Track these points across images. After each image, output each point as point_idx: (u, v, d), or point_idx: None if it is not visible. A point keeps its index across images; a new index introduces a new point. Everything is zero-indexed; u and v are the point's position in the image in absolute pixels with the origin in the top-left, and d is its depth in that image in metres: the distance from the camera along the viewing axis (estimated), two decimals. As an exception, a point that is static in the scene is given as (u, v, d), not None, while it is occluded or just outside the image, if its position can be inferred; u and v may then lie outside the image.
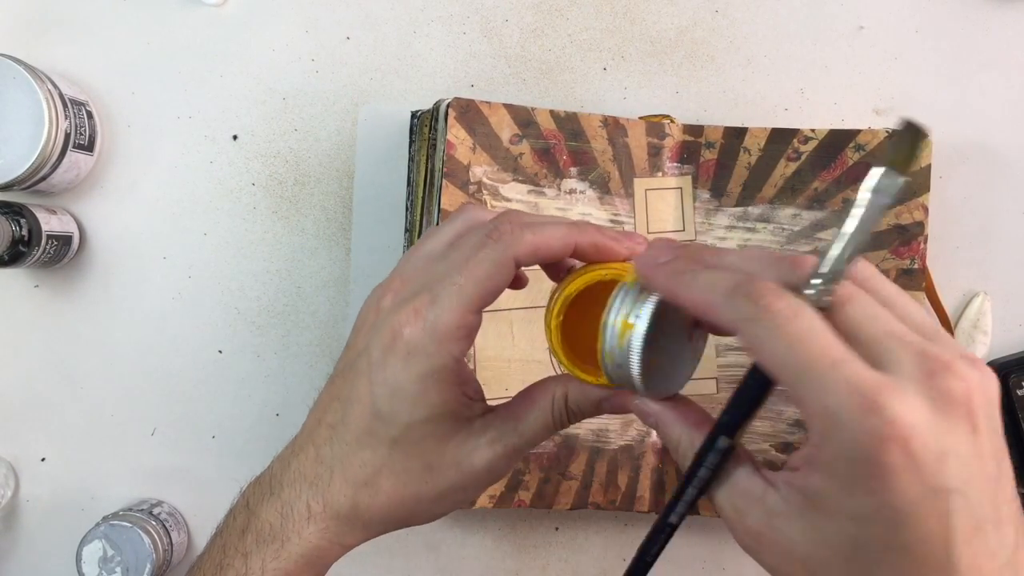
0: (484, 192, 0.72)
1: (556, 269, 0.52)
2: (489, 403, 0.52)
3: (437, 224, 0.71)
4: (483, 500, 0.73)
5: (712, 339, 0.75)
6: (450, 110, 0.71)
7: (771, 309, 0.38)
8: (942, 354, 0.37)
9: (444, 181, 0.71)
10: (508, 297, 0.72)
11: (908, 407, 0.35)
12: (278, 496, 0.51)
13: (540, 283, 0.73)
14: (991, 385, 0.38)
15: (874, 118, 0.81)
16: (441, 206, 0.71)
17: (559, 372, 0.55)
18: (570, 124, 0.73)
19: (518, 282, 0.53)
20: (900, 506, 0.35)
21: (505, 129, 0.72)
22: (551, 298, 0.49)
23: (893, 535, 0.36)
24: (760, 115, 0.81)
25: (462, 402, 0.49)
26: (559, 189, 0.74)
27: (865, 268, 0.41)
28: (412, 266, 0.51)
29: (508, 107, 0.72)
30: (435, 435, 0.49)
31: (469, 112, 0.71)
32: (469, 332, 0.48)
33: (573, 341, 0.49)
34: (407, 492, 0.50)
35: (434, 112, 0.73)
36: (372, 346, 0.48)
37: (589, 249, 0.49)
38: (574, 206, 0.74)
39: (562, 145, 0.73)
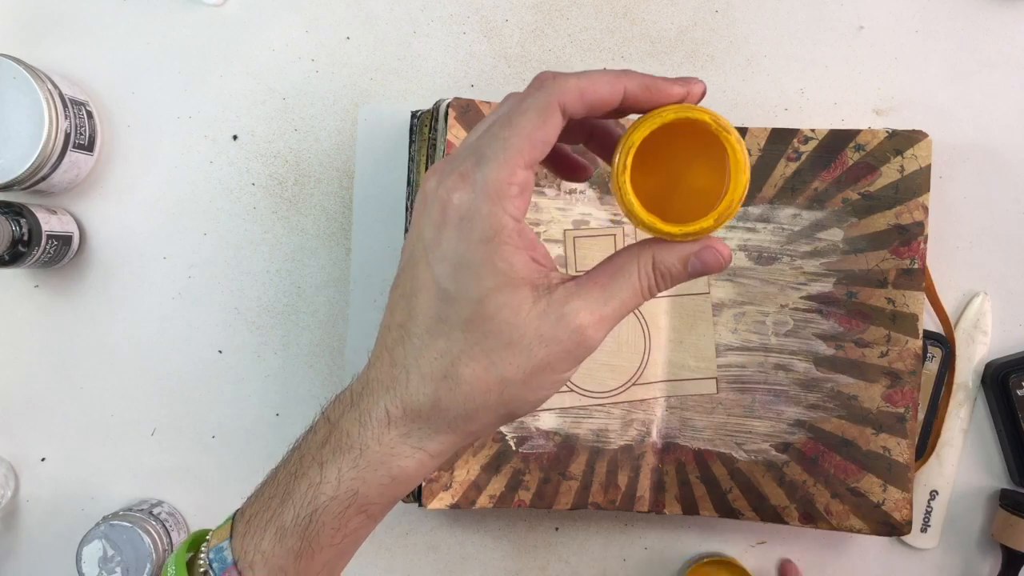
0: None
1: (605, 138, 0.50)
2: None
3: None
4: (483, 500, 0.73)
5: (714, 339, 0.75)
6: (450, 110, 0.71)
7: None
8: None
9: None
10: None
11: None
12: (356, 406, 0.48)
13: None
14: None
15: (874, 118, 0.81)
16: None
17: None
18: (570, 124, 0.73)
19: (580, 171, 0.52)
20: None
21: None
22: (615, 158, 0.45)
23: None
24: (760, 115, 0.81)
25: (533, 268, 0.45)
26: (559, 189, 0.74)
27: None
28: (460, 146, 0.47)
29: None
30: (511, 306, 0.44)
31: (469, 112, 0.71)
32: (523, 188, 0.44)
33: (647, 197, 0.45)
34: (491, 377, 0.45)
35: (434, 112, 0.73)
36: (424, 227, 0.45)
37: (641, 92, 0.45)
38: (574, 206, 0.74)
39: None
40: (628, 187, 0.44)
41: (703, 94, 0.46)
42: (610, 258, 0.47)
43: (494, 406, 0.46)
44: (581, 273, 0.47)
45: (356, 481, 0.47)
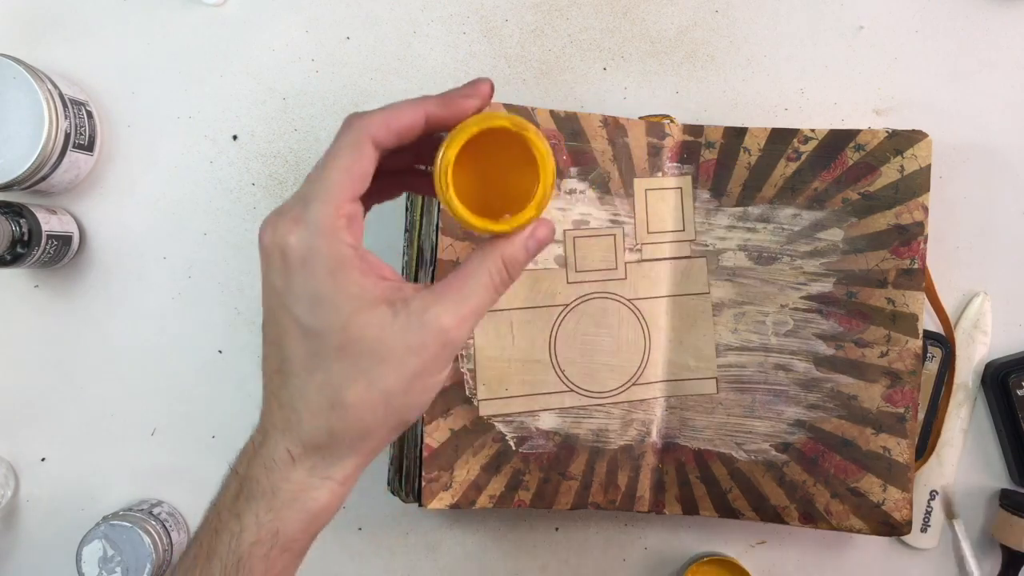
0: (484, 192, 0.72)
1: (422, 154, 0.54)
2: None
3: (437, 224, 0.71)
4: (483, 500, 0.73)
5: (714, 339, 0.75)
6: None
7: None
8: None
9: (444, 181, 0.71)
10: (508, 297, 0.72)
11: None
12: (259, 454, 0.50)
13: (540, 283, 0.74)
14: None
15: (874, 118, 0.81)
16: (441, 206, 0.71)
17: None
18: (570, 124, 0.73)
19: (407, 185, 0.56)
20: None
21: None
22: (435, 177, 0.48)
23: None
24: (760, 115, 0.81)
25: (384, 285, 0.48)
26: (559, 189, 0.74)
27: None
28: (286, 200, 0.50)
29: (508, 107, 0.72)
30: (374, 324, 0.47)
31: (469, 112, 0.72)
32: (352, 219, 0.48)
33: (477, 202, 0.49)
34: (373, 395, 0.48)
35: (434, 112, 0.73)
36: (272, 277, 0.48)
37: (441, 111, 0.49)
38: (574, 206, 0.74)
39: (562, 145, 0.73)
40: (455, 202, 0.48)
41: (491, 91, 0.50)
42: (462, 264, 0.50)
43: (384, 420, 0.49)
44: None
45: (275, 522, 0.49)
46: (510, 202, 0.50)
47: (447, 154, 0.48)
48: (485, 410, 0.73)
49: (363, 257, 0.48)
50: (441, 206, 0.49)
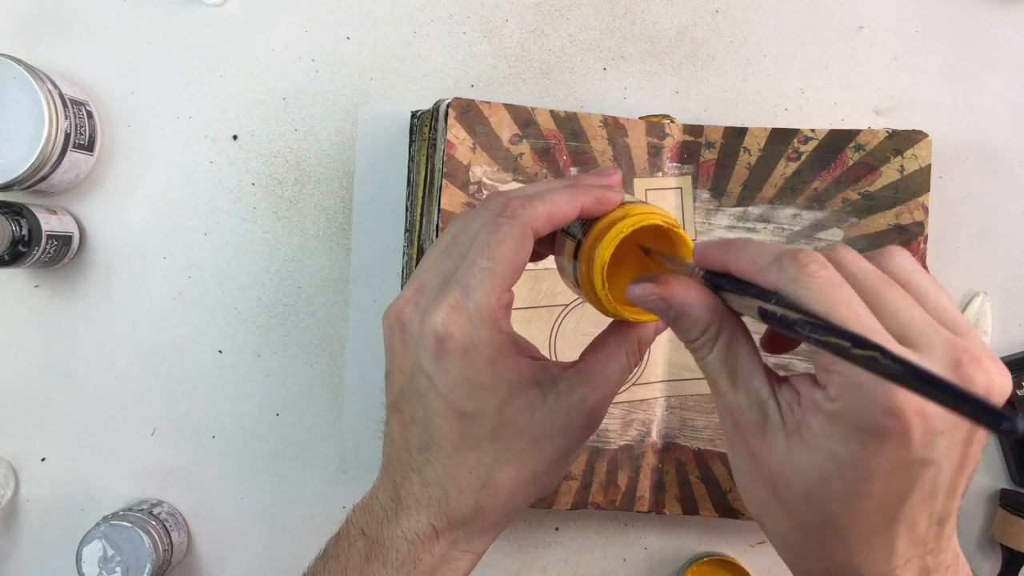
0: (484, 192, 0.72)
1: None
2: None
3: (437, 224, 0.71)
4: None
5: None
6: (450, 110, 0.71)
7: (815, 275, 0.40)
8: (971, 347, 0.39)
9: (444, 181, 0.71)
10: (540, 293, 0.72)
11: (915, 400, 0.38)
12: (397, 523, 0.50)
13: (540, 282, 0.74)
14: (1008, 384, 0.39)
15: (874, 118, 0.81)
16: (441, 206, 0.71)
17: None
18: (570, 124, 0.73)
19: (535, 255, 0.54)
20: (879, 466, 0.39)
21: (505, 129, 0.72)
22: (589, 273, 0.49)
23: (860, 484, 0.40)
24: (760, 115, 0.81)
25: (535, 368, 0.49)
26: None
27: (904, 261, 0.43)
28: (422, 274, 0.50)
29: (508, 107, 0.72)
30: (527, 408, 0.48)
31: (469, 112, 0.71)
32: (508, 307, 0.49)
33: (618, 295, 0.49)
34: (524, 475, 0.49)
35: (434, 112, 0.73)
36: (421, 360, 0.48)
37: (593, 206, 0.49)
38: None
39: (562, 145, 0.73)
40: (610, 299, 0.49)
41: (621, 179, 0.52)
42: (600, 342, 0.52)
43: (529, 498, 0.50)
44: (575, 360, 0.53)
45: None
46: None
47: (603, 254, 0.48)
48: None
49: (516, 341, 0.49)
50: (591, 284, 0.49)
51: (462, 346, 0.46)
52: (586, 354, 0.52)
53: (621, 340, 0.51)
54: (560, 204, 0.48)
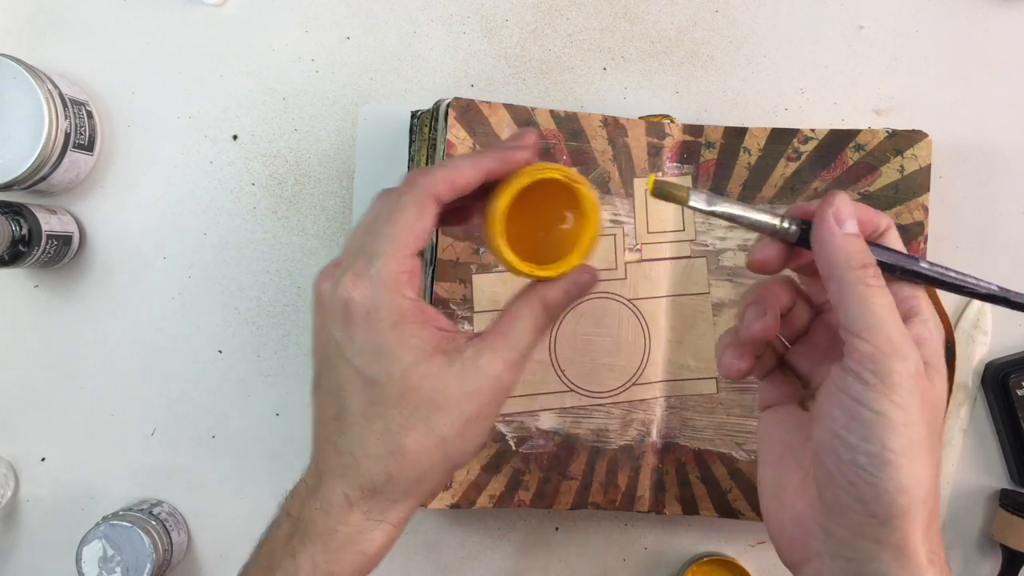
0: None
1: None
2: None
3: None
4: (483, 500, 0.73)
5: (712, 339, 0.75)
6: (450, 110, 0.71)
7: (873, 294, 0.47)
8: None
9: (444, 181, 0.71)
10: (508, 297, 0.72)
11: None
12: (315, 496, 0.52)
13: (540, 283, 0.74)
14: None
15: (874, 118, 0.81)
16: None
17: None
18: (570, 124, 0.73)
19: (461, 217, 0.57)
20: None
21: (505, 129, 0.72)
22: (487, 225, 0.52)
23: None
24: (760, 115, 0.81)
25: (440, 336, 0.51)
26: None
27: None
28: (344, 250, 0.52)
29: (508, 107, 0.72)
30: (432, 375, 0.50)
31: (469, 112, 0.71)
32: (413, 274, 0.50)
33: (523, 248, 0.52)
34: (431, 440, 0.50)
35: (434, 112, 0.73)
36: (332, 329, 0.50)
37: (499, 166, 0.52)
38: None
39: (562, 145, 0.73)
40: (504, 248, 0.52)
41: (536, 141, 0.54)
42: (506, 310, 0.53)
43: (439, 464, 0.51)
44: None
45: (331, 564, 0.51)
46: (555, 248, 0.53)
47: (499, 204, 0.51)
48: (485, 410, 0.73)
49: (421, 309, 0.51)
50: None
51: (364, 310, 0.49)
52: (494, 322, 0.53)
53: (525, 302, 0.53)
54: (462, 168, 0.51)
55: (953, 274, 0.52)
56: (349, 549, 0.51)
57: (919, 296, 0.51)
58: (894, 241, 0.52)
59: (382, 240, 0.49)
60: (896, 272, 0.51)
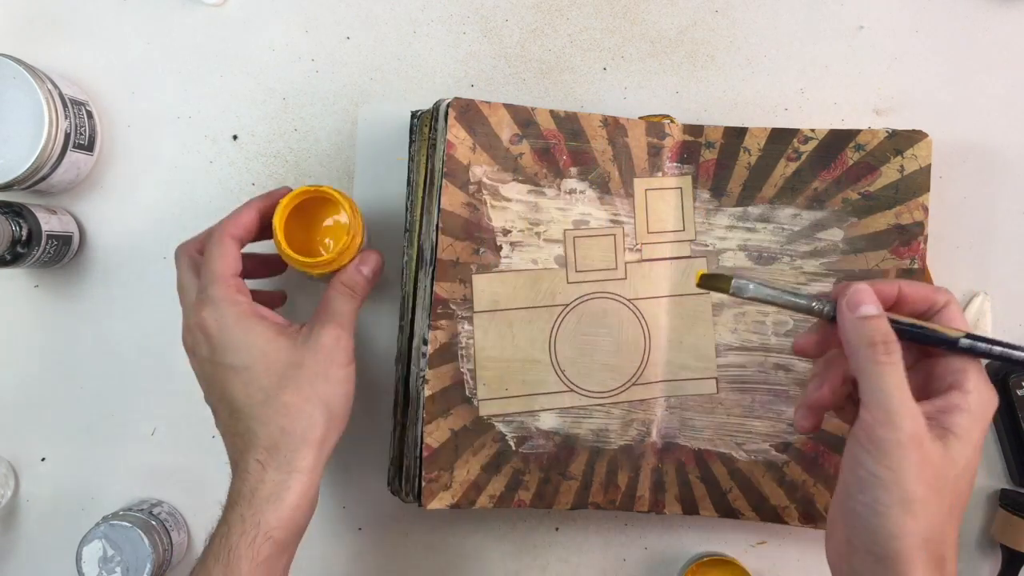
0: (484, 192, 0.72)
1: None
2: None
3: (438, 224, 0.71)
4: (483, 500, 0.73)
5: (714, 338, 0.75)
6: (450, 110, 0.71)
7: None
8: None
9: (444, 181, 0.71)
10: (508, 298, 0.72)
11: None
12: (235, 473, 0.65)
13: (540, 283, 0.74)
14: None
15: (874, 118, 0.81)
16: (441, 206, 0.71)
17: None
18: (570, 124, 0.73)
19: (272, 266, 0.77)
20: (981, 446, 0.56)
21: (505, 129, 0.72)
22: (274, 237, 0.68)
23: (976, 462, 0.55)
24: (760, 115, 0.81)
25: (280, 326, 0.67)
26: (559, 189, 0.74)
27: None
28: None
29: (508, 107, 0.72)
30: (282, 349, 0.65)
31: (469, 112, 0.71)
32: (240, 289, 0.67)
33: (298, 247, 0.69)
34: (303, 392, 0.64)
35: (434, 112, 0.73)
36: (200, 351, 0.66)
37: (265, 201, 0.70)
38: (574, 206, 0.74)
39: (562, 145, 0.73)
40: (285, 248, 0.68)
41: (289, 190, 0.70)
42: (323, 297, 0.69)
43: (321, 411, 0.65)
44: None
45: (256, 515, 0.62)
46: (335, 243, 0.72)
47: (276, 220, 0.68)
48: (485, 410, 0.73)
49: (256, 309, 0.66)
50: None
51: (214, 321, 0.65)
52: (320, 307, 0.69)
53: (331, 286, 0.69)
54: (242, 211, 0.69)
55: (998, 349, 0.57)
56: (271, 501, 0.62)
57: (967, 370, 0.56)
58: (952, 315, 0.58)
59: (205, 277, 0.66)
60: (942, 347, 0.58)
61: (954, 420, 0.54)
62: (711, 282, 0.59)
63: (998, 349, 0.57)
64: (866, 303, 0.57)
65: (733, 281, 0.58)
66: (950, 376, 0.57)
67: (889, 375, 0.54)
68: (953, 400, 0.55)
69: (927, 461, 0.53)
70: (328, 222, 0.73)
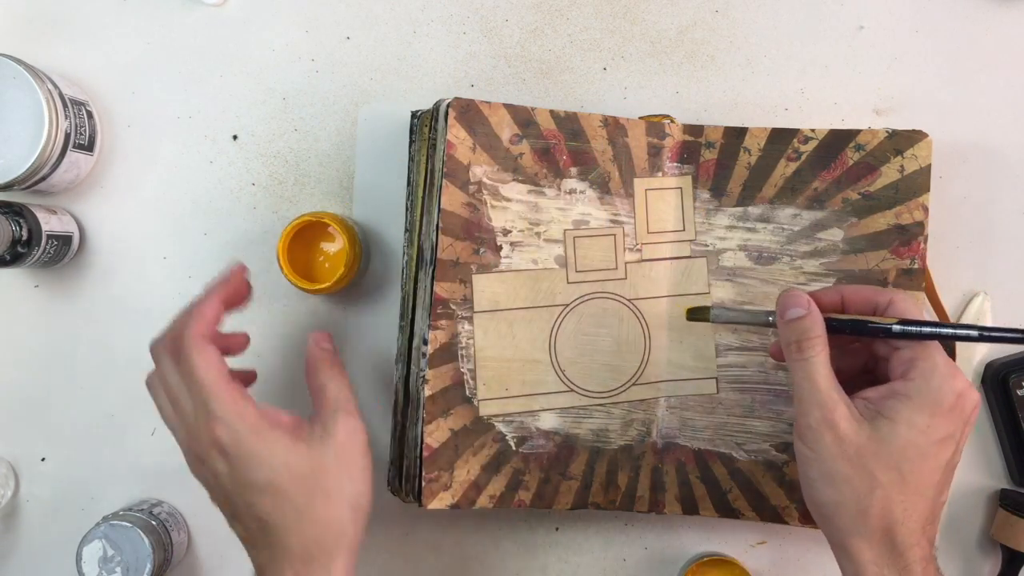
0: (484, 192, 0.72)
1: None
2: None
3: (438, 224, 0.71)
4: (483, 500, 0.73)
5: (713, 339, 0.75)
6: (450, 110, 0.71)
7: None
8: None
9: (444, 181, 0.71)
10: (508, 298, 0.72)
11: (966, 383, 0.61)
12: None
13: (540, 283, 0.74)
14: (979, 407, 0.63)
15: (874, 118, 0.81)
16: (441, 206, 0.71)
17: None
18: (570, 124, 0.73)
19: (236, 345, 0.74)
20: (936, 434, 0.60)
21: (505, 129, 0.72)
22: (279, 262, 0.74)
23: (926, 446, 0.60)
24: (760, 115, 0.81)
25: (291, 427, 0.64)
26: (559, 189, 0.74)
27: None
28: (178, 434, 0.67)
29: (508, 107, 0.72)
30: (303, 456, 0.63)
31: (469, 112, 0.71)
32: (243, 395, 0.63)
33: (298, 269, 0.75)
34: (331, 500, 0.63)
35: (434, 112, 0.73)
36: (217, 468, 0.63)
37: (227, 287, 0.69)
38: (574, 206, 0.74)
39: (562, 145, 0.73)
40: (287, 269, 0.74)
41: (242, 267, 0.71)
42: (311, 388, 0.68)
43: (349, 513, 0.64)
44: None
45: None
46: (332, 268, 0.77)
47: (279, 251, 0.74)
48: (485, 410, 0.73)
49: (265, 415, 0.63)
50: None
51: (229, 438, 0.61)
52: (315, 402, 0.68)
53: (313, 372, 0.68)
54: (206, 307, 0.66)
55: (927, 330, 0.62)
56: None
57: (915, 359, 0.62)
58: (898, 310, 0.63)
59: (201, 393, 0.62)
60: (880, 336, 0.64)
61: (887, 404, 0.61)
62: (697, 315, 0.70)
63: (927, 330, 0.62)
64: (791, 307, 0.64)
65: (711, 311, 0.69)
66: (900, 366, 0.62)
67: (802, 369, 0.62)
68: (894, 387, 0.61)
69: (845, 441, 0.60)
70: (325, 246, 0.78)
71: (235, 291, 0.69)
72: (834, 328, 0.64)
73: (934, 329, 0.62)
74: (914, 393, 0.60)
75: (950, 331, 0.62)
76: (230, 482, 0.62)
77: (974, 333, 0.63)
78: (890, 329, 0.62)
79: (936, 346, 0.62)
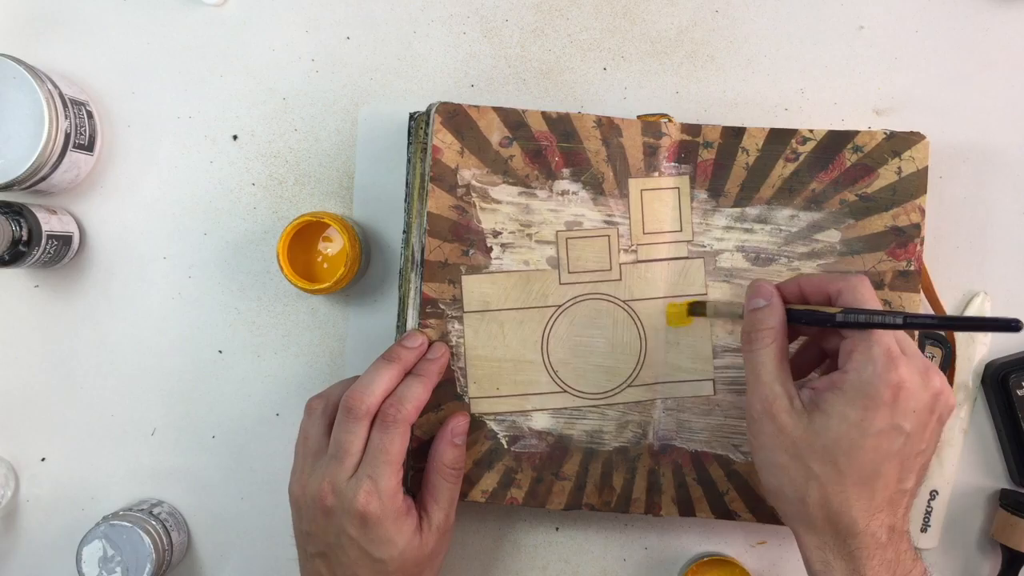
0: (473, 194, 0.72)
1: None
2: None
3: (425, 228, 0.72)
4: (475, 494, 0.74)
5: (710, 340, 0.75)
6: (436, 115, 0.71)
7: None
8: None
9: (431, 185, 0.71)
10: (498, 299, 0.73)
11: (910, 373, 0.60)
12: None
13: (531, 284, 0.74)
14: (952, 398, 0.63)
15: (874, 118, 0.81)
16: (428, 209, 0.71)
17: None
18: (562, 125, 0.73)
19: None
20: (872, 426, 0.60)
21: (495, 132, 0.72)
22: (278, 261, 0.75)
23: (861, 439, 0.60)
24: (760, 115, 0.81)
25: (414, 518, 0.69)
26: (551, 190, 0.74)
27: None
28: (327, 474, 0.68)
29: (498, 110, 0.72)
30: (414, 547, 0.69)
31: (456, 116, 0.72)
32: (401, 483, 0.69)
33: (298, 268, 0.76)
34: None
35: (426, 115, 0.73)
36: (347, 527, 0.67)
37: (438, 377, 0.73)
38: (567, 207, 0.74)
39: (554, 146, 0.73)
40: (287, 269, 0.75)
41: (448, 353, 0.73)
42: (425, 479, 0.73)
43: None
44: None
45: None
46: (332, 268, 0.79)
47: (279, 251, 0.74)
48: (476, 407, 0.73)
49: (407, 504, 0.69)
50: None
51: (376, 517, 0.66)
52: (425, 488, 0.72)
53: (436, 468, 0.72)
54: (421, 395, 0.70)
55: (862, 318, 0.62)
56: None
57: (852, 351, 0.62)
58: (848, 300, 0.64)
59: (383, 467, 0.67)
60: (829, 326, 0.64)
61: (824, 396, 0.62)
62: (696, 309, 0.74)
63: (862, 318, 0.61)
64: (754, 297, 0.67)
65: (707, 305, 0.73)
66: (843, 357, 0.63)
67: (749, 360, 0.65)
68: (832, 379, 0.62)
69: (782, 432, 0.62)
70: (325, 246, 0.79)
71: (439, 375, 0.73)
72: (791, 318, 0.66)
73: (869, 318, 0.61)
74: (847, 386, 0.61)
75: (879, 319, 0.61)
76: (351, 545, 0.67)
77: (899, 320, 0.61)
78: (833, 318, 0.63)
79: (878, 336, 0.61)
